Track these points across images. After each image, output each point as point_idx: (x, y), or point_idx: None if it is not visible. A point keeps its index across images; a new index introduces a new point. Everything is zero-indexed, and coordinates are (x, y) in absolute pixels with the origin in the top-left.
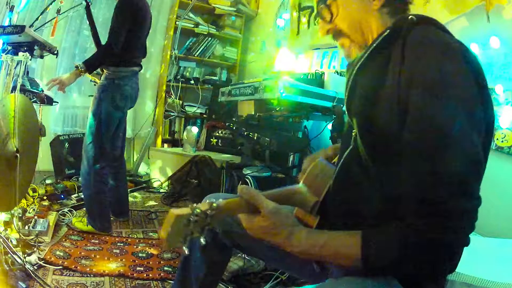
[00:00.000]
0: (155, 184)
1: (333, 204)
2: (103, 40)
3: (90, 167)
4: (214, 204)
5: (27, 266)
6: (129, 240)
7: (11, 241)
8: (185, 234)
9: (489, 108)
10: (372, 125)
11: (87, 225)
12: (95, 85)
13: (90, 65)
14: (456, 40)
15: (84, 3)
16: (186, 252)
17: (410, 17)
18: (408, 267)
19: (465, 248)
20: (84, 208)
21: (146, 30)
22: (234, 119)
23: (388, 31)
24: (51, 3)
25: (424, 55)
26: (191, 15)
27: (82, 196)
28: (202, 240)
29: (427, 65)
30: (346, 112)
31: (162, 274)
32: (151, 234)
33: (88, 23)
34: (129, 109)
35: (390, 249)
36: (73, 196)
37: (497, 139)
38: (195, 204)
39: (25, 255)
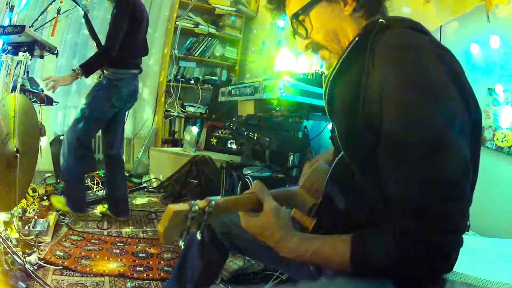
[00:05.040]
0: (155, 184)
1: (327, 207)
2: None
3: (71, 152)
4: (213, 202)
5: (27, 266)
6: (129, 240)
7: (11, 241)
8: (182, 229)
9: (473, 107)
10: (352, 133)
11: (65, 206)
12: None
13: (87, 69)
14: (431, 39)
15: (82, 12)
16: (182, 246)
17: (380, 20)
18: (401, 270)
19: (465, 248)
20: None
21: (144, 29)
22: (234, 119)
23: (357, 38)
24: (51, 3)
25: (395, 59)
26: (191, 15)
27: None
28: (198, 235)
29: (399, 69)
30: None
31: (162, 274)
32: (151, 234)
33: (88, 32)
34: (128, 109)
35: (381, 254)
36: None
37: (497, 139)
38: (193, 201)
39: (25, 255)
